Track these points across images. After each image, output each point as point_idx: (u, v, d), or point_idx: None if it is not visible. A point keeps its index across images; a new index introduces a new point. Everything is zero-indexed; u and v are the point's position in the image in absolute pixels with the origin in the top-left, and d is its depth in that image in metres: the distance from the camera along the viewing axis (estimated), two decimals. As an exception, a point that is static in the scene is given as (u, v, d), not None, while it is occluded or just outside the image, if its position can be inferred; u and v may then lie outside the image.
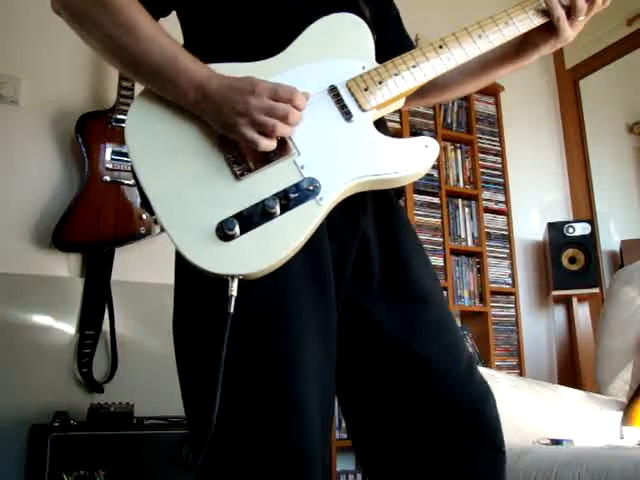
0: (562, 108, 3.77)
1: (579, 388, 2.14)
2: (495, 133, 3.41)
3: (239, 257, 0.84)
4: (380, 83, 0.94)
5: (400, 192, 1.11)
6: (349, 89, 0.94)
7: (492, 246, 3.24)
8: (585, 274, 3.17)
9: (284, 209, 0.86)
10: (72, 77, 2.55)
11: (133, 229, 2.39)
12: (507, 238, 3.29)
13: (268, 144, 0.86)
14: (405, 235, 1.05)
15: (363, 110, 0.93)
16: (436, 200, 3.11)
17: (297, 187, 0.87)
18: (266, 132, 0.85)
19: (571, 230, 3.25)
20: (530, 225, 3.55)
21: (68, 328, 2.35)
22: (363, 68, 0.96)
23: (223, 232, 0.84)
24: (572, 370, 3.21)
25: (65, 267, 2.40)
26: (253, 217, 0.85)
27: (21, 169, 2.41)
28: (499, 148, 3.40)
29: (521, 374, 3.05)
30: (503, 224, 3.30)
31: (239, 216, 0.85)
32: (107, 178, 2.37)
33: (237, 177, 0.87)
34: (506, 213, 3.32)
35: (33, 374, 2.24)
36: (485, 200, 3.27)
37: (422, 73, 0.97)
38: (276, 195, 0.86)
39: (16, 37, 2.48)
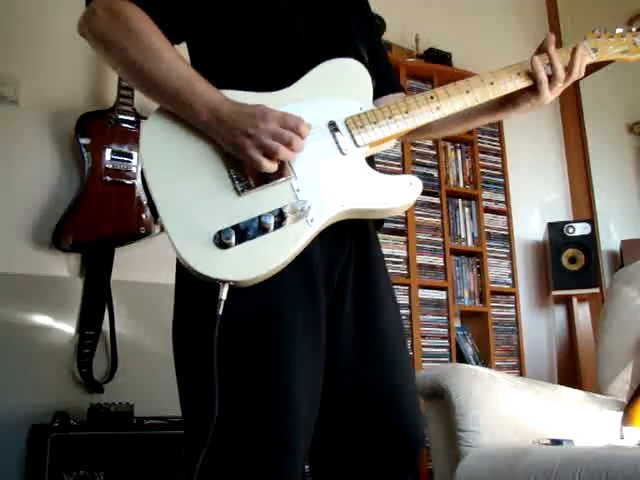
0: (562, 108, 3.77)
1: (579, 388, 2.14)
2: (495, 133, 3.41)
3: (232, 264, 0.91)
4: (375, 123, 1.03)
5: (380, 223, 1.20)
6: (347, 125, 1.02)
7: (492, 246, 3.24)
8: (585, 274, 3.17)
9: (278, 226, 0.93)
10: (72, 77, 2.55)
11: (133, 229, 2.39)
12: (507, 238, 3.29)
13: (270, 166, 0.94)
14: (376, 267, 1.14)
15: (357, 146, 1.02)
16: (436, 200, 3.11)
17: (291, 208, 0.94)
18: (270, 155, 0.93)
19: (571, 230, 3.25)
20: (530, 225, 3.55)
21: (68, 328, 2.35)
22: (361, 109, 1.05)
23: (220, 240, 0.91)
24: (572, 370, 3.21)
25: (65, 267, 2.40)
26: (249, 230, 0.92)
27: (21, 169, 2.41)
28: (499, 148, 3.40)
29: (521, 374, 3.05)
30: (503, 224, 3.30)
31: (236, 227, 0.92)
32: (107, 178, 2.37)
33: (238, 193, 0.95)
34: (506, 213, 3.32)
35: (33, 374, 2.24)
36: (485, 200, 3.27)
37: (413, 119, 1.06)
38: (272, 212, 0.94)
39: (16, 37, 2.48)
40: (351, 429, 1.06)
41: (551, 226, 3.31)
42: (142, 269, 2.45)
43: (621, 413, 1.92)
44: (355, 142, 1.02)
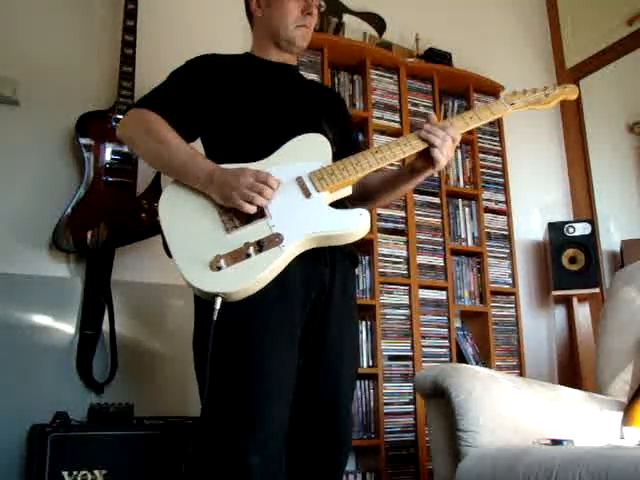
0: (562, 108, 3.77)
1: (579, 388, 2.14)
2: (495, 133, 3.41)
3: (223, 281, 1.24)
4: (332, 174, 1.39)
5: (356, 261, 1.59)
6: (310, 178, 1.39)
7: (492, 246, 3.24)
8: (585, 274, 3.17)
9: (257, 252, 1.27)
10: (72, 77, 2.55)
11: (133, 229, 2.38)
12: (507, 238, 3.29)
13: (249, 208, 1.31)
14: (343, 299, 1.49)
15: (318, 191, 1.37)
16: (436, 200, 3.11)
17: (267, 239, 1.29)
18: (249, 201, 1.30)
19: (571, 230, 3.25)
20: (530, 225, 3.55)
21: (68, 328, 2.35)
22: (321, 166, 1.41)
23: (214, 265, 1.25)
24: (572, 370, 3.22)
25: (65, 267, 2.40)
26: (236, 256, 1.26)
27: (21, 169, 2.41)
28: (499, 148, 3.40)
29: (521, 374, 3.05)
30: (503, 224, 3.30)
31: (226, 255, 1.26)
32: (107, 178, 2.37)
33: (227, 231, 1.32)
34: (506, 213, 3.32)
35: (33, 374, 2.24)
36: (485, 200, 3.27)
37: (361, 167, 1.41)
38: (252, 243, 1.28)
39: (16, 37, 2.48)
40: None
41: (551, 226, 3.31)
42: (142, 269, 2.45)
43: (621, 413, 1.92)
44: (316, 188, 1.37)
